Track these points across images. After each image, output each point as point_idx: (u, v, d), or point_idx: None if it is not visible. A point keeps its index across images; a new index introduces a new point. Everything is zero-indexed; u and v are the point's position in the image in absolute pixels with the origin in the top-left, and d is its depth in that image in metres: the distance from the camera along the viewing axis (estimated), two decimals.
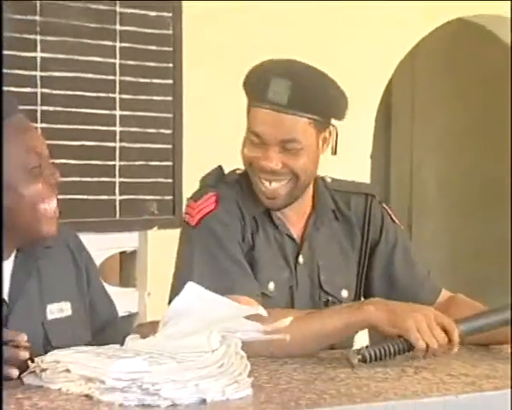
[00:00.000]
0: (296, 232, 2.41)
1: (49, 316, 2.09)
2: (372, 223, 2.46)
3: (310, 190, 2.42)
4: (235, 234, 2.32)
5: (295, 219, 2.40)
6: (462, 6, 4.95)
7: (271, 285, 2.32)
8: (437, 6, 4.84)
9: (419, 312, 2.09)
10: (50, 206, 2.06)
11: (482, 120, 6.34)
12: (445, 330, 2.08)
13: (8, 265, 2.08)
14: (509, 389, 1.89)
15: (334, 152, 2.36)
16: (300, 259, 2.39)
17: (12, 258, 2.09)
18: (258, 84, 2.30)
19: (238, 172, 2.43)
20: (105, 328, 2.23)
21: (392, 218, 2.49)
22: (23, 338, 1.82)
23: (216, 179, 2.42)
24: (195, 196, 2.38)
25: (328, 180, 2.49)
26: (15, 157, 2.02)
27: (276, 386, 1.84)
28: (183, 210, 2.47)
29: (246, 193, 2.36)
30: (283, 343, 1.96)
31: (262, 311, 2.01)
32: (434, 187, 6.56)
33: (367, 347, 2.07)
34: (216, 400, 1.70)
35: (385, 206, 2.52)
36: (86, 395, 1.72)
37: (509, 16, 5.08)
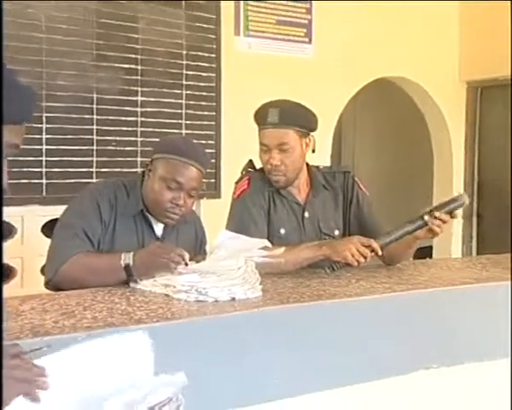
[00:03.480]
0: (301, 200, 2.35)
1: None
2: (348, 189, 2.41)
3: (305, 175, 2.37)
4: (259, 203, 2.28)
5: (298, 193, 2.34)
6: (384, 69, 4.91)
7: (282, 230, 2.28)
8: (367, 67, 4.80)
9: (349, 243, 2.06)
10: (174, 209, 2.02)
11: (397, 136, 6.29)
12: (369, 246, 2.05)
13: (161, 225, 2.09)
14: (412, 290, 1.89)
15: (313, 151, 2.32)
16: (306, 215, 2.34)
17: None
18: (261, 115, 2.27)
19: None
20: None
21: (359, 186, 2.43)
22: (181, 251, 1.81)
23: (248, 168, 2.38)
24: (237, 181, 2.34)
25: (321, 167, 2.45)
26: (165, 178, 1.99)
27: (275, 290, 1.82)
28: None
29: (266, 176, 2.30)
30: (279, 265, 1.95)
31: (268, 243, 2.01)
32: (367, 178, 6.53)
33: (332, 263, 2.07)
34: (240, 298, 1.69)
35: (356, 179, 2.45)
36: (165, 294, 1.71)
37: (411, 78, 5.04)
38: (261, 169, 2.34)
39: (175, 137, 2.23)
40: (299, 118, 2.25)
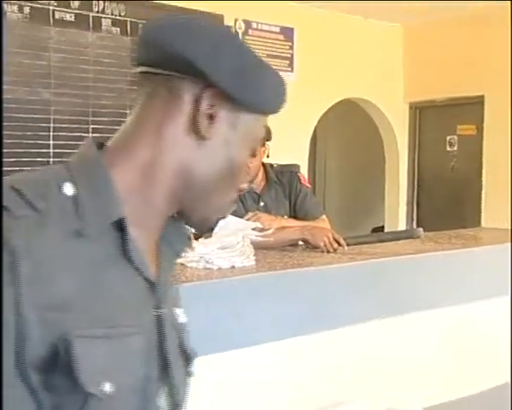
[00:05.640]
0: (259, 192, 2.26)
1: None
2: (292, 184, 2.30)
3: (262, 173, 2.27)
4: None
5: (257, 187, 2.25)
6: (348, 92, 4.87)
7: (249, 213, 2.15)
8: (336, 90, 4.75)
9: (325, 234, 1.95)
10: None
11: (359, 143, 6.20)
12: (337, 240, 1.95)
13: None
14: (370, 259, 1.85)
15: (268, 156, 2.24)
16: (261, 203, 2.25)
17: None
18: None
19: None
20: None
21: (301, 182, 2.31)
22: None
23: None
24: None
25: (275, 165, 2.33)
26: None
27: (265, 260, 1.77)
28: None
29: None
30: (269, 242, 1.90)
31: (259, 225, 1.95)
32: (336, 174, 6.50)
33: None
34: (239, 266, 1.64)
35: (299, 175, 2.32)
36: (181, 263, 1.63)
37: (369, 99, 5.00)
38: None
39: None
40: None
